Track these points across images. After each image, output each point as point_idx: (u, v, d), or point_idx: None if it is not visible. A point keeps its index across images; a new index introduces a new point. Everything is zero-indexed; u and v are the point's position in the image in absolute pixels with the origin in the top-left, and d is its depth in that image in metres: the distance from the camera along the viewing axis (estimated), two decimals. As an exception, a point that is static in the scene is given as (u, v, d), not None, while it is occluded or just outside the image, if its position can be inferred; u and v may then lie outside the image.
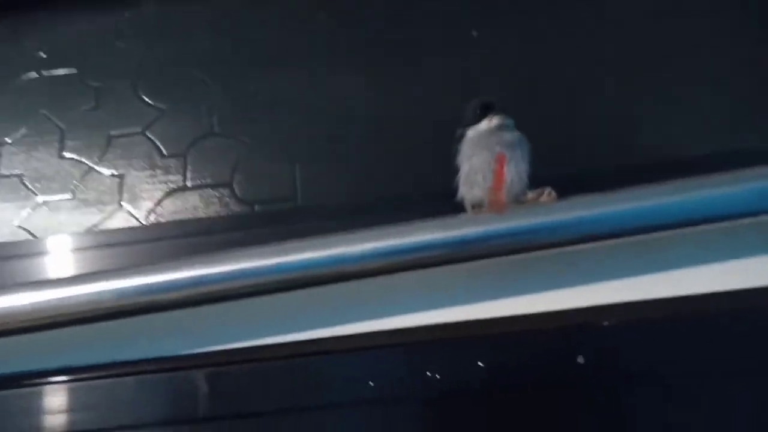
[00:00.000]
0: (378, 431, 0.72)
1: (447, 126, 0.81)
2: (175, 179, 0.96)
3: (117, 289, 0.73)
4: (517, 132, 0.76)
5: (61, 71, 1.06)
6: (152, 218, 0.93)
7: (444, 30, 1.02)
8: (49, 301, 0.71)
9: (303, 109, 0.98)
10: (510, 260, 0.71)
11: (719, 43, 0.94)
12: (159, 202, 0.94)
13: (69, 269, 0.89)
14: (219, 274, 0.71)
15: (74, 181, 0.97)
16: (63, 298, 0.71)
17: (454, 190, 0.76)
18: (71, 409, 0.74)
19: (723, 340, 0.72)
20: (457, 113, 0.81)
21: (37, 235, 0.93)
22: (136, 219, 0.94)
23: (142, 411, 0.73)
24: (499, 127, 0.76)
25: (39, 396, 0.75)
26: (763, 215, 0.70)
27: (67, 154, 1.00)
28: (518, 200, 0.72)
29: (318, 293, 0.72)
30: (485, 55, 0.99)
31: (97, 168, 0.98)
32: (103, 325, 0.74)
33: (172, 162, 0.97)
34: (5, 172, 0.99)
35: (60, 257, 0.90)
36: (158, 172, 0.97)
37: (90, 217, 0.94)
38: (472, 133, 0.77)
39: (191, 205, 0.94)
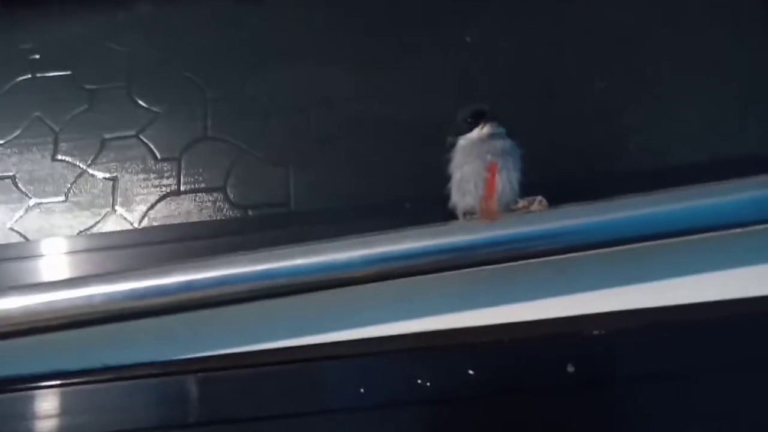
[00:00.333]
0: (367, 438, 0.72)
1: (442, 130, 0.81)
2: (169, 183, 0.96)
3: (108, 293, 0.74)
4: (508, 140, 0.76)
5: (54, 73, 1.06)
6: (145, 222, 0.93)
7: (439, 33, 1.02)
8: (38, 305, 0.71)
9: (297, 113, 0.98)
10: (500, 268, 0.72)
11: (716, 48, 0.94)
12: (152, 206, 0.94)
13: (61, 272, 0.89)
14: (210, 279, 0.71)
15: (67, 184, 0.97)
16: (53, 302, 0.71)
17: (446, 198, 0.76)
18: (61, 414, 0.74)
19: (711, 349, 0.73)
20: (453, 117, 0.81)
21: (30, 238, 0.93)
22: (129, 222, 0.94)
23: (133, 416, 0.73)
24: (491, 136, 0.76)
25: (28, 401, 0.75)
26: (753, 225, 0.71)
27: (61, 157, 0.99)
28: (509, 208, 0.72)
29: (309, 300, 0.73)
30: (481, 58, 0.99)
31: (90, 171, 0.98)
32: (93, 329, 0.73)
33: (165, 166, 0.97)
34: (-2, 173, 0.99)
35: (52, 260, 0.90)
36: (152, 175, 0.97)
37: (83, 220, 0.94)
38: (463, 141, 0.77)
39: (185, 209, 0.94)
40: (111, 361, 0.76)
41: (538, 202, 0.72)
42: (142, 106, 1.02)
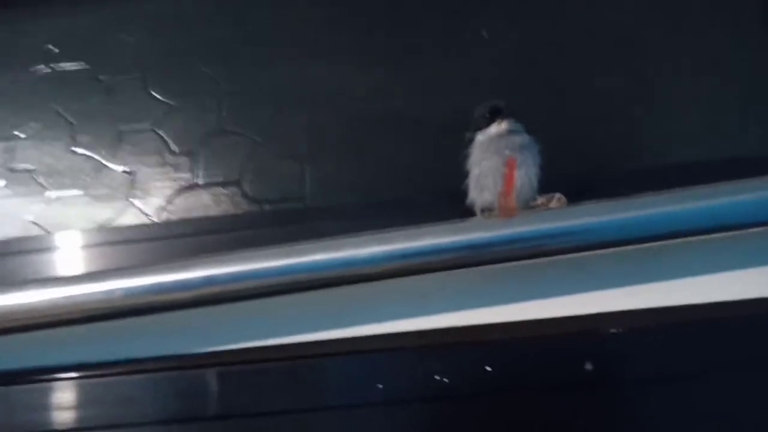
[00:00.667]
0: (385, 434, 0.73)
1: (459, 125, 0.80)
2: (185, 176, 0.96)
3: (128, 288, 0.74)
4: (527, 135, 0.76)
5: (71, 65, 1.06)
6: (163, 215, 0.94)
7: (456, 29, 1.01)
8: (60, 298, 0.72)
9: (313, 107, 0.98)
10: (518, 265, 0.72)
11: (728, 46, 0.93)
12: (169, 200, 0.95)
13: (80, 265, 0.89)
14: (228, 274, 0.72)
15: (85, 177, 0.97)
16: (74, 296, 0.72)
17: (464, 194, 0.76)
18: (81, 406, 0.75)
19: (730, 348, 0.72)
20: (470, 113, 0.81)
21: (49, 231, 0.94)
22: (147, 215, 0.94)
23: (152, 409, 0.74)
24: (509, 131, 0.76)
25: (49, 392, 0.76)
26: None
27: (78, 150, 1.00)
28: (528, 205, 0.72)
29: (328, 295, 0.73)
30: (498, 54, 0.98)
31: (107, 164, 0.98)
32: (113, 322, 0.74)
33: (181, 159, 0.97)
34: (17, 166, 0.99)
35: (72, 253, 0.91)
36: (168, 168, 0.97)
37: (101, 213, 0.95)
38: (481, 137, 0.77)
39: (201, 203, 0.94)
40: (130, 354, 0.76)
41: (557, 199, 0.71)
42: (158, 99, 1.02)
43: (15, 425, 0.76)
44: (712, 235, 0.70)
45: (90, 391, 0.76)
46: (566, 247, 0.71)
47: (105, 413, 0.75)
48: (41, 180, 0.98)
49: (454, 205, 0.76)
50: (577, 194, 0.74)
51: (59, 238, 0.92)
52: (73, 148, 1.00)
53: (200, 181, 0.96)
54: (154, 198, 0.95)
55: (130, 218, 0.94)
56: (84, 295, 0.73)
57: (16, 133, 1.01)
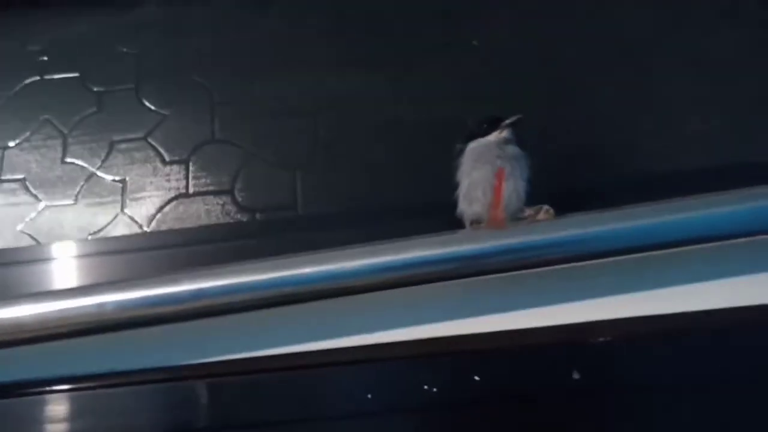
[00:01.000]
0: (375, 443, 0.73)
1: (452, 135, 0.81)
2: (177, 185, 0.97)
3: (117, 302, 0.74)
4: (518, 148, 0.76)
5: (63, 75, 1.07)
6: (154, 224, 0.94)
7: (446, 37, 1.02)
8: (49, 313, 0.72)
9: (305, 117, 0.99)
10: (507, 276, 0.72)
11: (725, 53, 0.94)
12: (161, 209, 0.95)
13: (72, 276, 0.90)
14: (218, 287, 0.72)
15: (77, 187, 0.98)
16: (64, 310, 0.72)
17: (454, 205, 0.76)
18: (70, 418, 0.75)
19: (716, 356, 0.73)
20: (463, 121, 0.82)
21: (40, 240, 0.94)
22: (139, 225, 0.94)
23: (141, 421, 0.75)
24: (503, 141, 0.76)
25: (38, 405, 0.76)
26: (757, 235, 0.71)
27: (70, 159, 1.00)
28: (516, 217, 0.72)
29: (317, 306, 0.73)
30: (488, 62, 0.99)
31: (99, 173, 0.99)
32: (102, 335, 0.74)
33: (173, 168, 0.98)
34: (8, 176, 1.00)
35: (63, 264, 0.91)
36: (160, 178, 0.97)
37: (93, 223, 0.95)
38: (473, 145, 0.78)
39: (193, 212, 0.95)
40: (119, 367, 0.77)
41: (545, 210, 0.72)
42: (150, 109, 1.02)
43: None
44: (697, 245, 0.71)
45: (80, 404, 0.76)
46: (554, 258, 0.72)
47: (95, 426, 0.75)
48: (33, 190, 0.98)
49: (446, 214, 0.77)
50: (574, 202, 0.75)
51: (50, 249, 0.92)
52: (65, 158, 1.00)
53: (192, 191, 0.96)
54: (147, 207, 0.96)
55: (122, 228, 0.94)
56: (74, 309, 0.73)
57: (8, 143, 1.02)
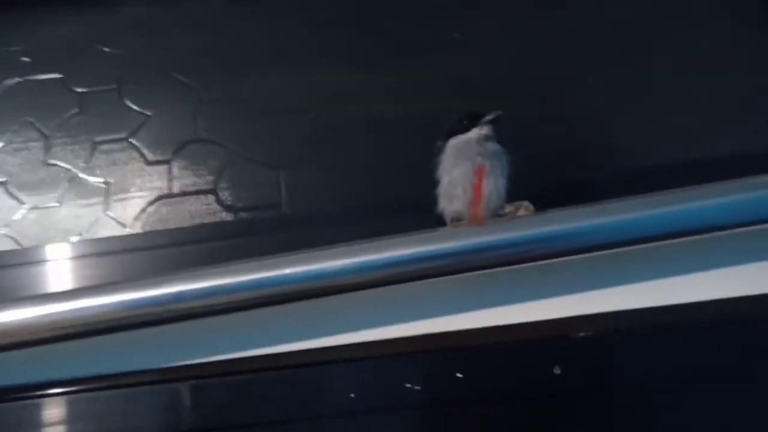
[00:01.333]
0: (359, 442, 0.74)
1: (435, 131, 0.81)
2: (161, 186, 0.96)
3: (102, 305, 0.74)
4: (498, 145, 0.76)
5: (45, 76, 1.06)
6: (138, 226, 0.94)
7: (433, 34, 1.02)
8: (32, 318, 0.72)
9: (288, 115, 0.98)
10: (487, 272, 0.72)
11: (712, 47, 0.94)
12: (144, 209, 0.95)
13: (56, 279, 0.89)
14: (200, 290, 0.72)
15: (60, 189, 0.97)
16: (46, 316, 0.72)
17: (435, 202, 0.76)
18: (55, 423, 0.75)
19: (698, 350, 0.74)
20: (444, 119, 0.81)
21: (24, 244, 0.94)
22: (122, 226, 0.94)
23: (126, 423, 0.75)
24: (483, 138, 0.76)
25: (22, 410, 0.76)
26: (738, 228, 0.71)
27: (53, 161, 1.00)
28: (496, 214, 0.72)
29: (299, 306, 0.73)
30: (472, 56, 0.99)
31: (82, 175, 0.98)
32: (86, 339, 0.74)
33: (157, 168, 0.98)
34: (-10, 178, 0.99)
35: (47, 267, 0.91)
36: (143, 178, 0.97)
37: (76, 225, 0.95)
38: (454, 142, 0.77)
39: (177, 212, 0.94)
40: (103, 370, 0.77)
41: (524, 207, 0.72)
42: (133, 109, 1.02)
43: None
44: (677, 239, 0.72)
45: (64, 408, 0.76)
46: (534, 254, 0.72)
47: (80, 429, 0.76)
48: (15, 192, 0.97)
49: (430, 211, 0.77)
50: (559, 198, 0.75)
51: (34, 252, 0.92)
52: (48, 160, 1.00)
53: (176, 191, 0.96)
54: (130, 208, 0.95)
55: (106, 229, 0.94)
56: (58, 313, 0.73)
57: (-11, 145, 1.01)
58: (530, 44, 0.97)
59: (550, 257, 0.72)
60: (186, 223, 0.93)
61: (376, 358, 0.75)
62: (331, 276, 0.71)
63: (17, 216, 0.96)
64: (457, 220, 0.73)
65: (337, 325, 0.76)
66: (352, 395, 0.73)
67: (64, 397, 0.76)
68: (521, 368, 0.74)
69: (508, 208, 0.73)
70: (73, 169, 0.99)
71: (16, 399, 0.76)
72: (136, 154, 0.99)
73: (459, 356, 0.74)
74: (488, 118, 0.77)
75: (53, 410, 0.76)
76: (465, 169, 0.74)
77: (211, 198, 0.95)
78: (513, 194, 0.74)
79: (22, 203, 0.97)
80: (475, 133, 0.77)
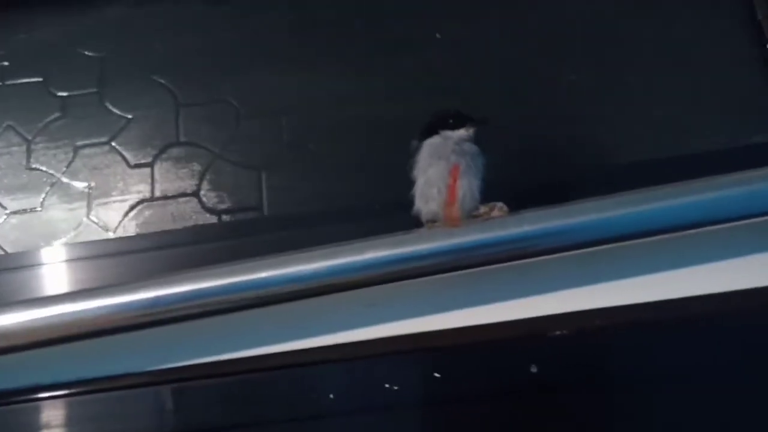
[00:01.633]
0: (338, 442, 0.74)
1: (416, 131, 0.81)
2: (143, 189, 0.97)
3: (83, 310, 0.75)
4: (474, 146, 0.77)
5: (25, 80, 1.06)
6: (121, 230, 0.94)
7: (413, 34, 1.02)
8: (11, 324, 0.73)
9: (268, 117, 0.98)
10: (463, 273, 0.73)
11: (689, 42, 0.94)
12: (127, 213, 0.95)
13: (40, 284, 0.90)
14: (179, 294, 0.73)
15: (42, 194, 0.98)
16: (26, 321, 0.73)
17: (411, 203, 0.77)
18: (37, 428, 0.76)
19: (675, 347, 0.74)
20: (422, 119, 0.82)
21: (7, 249, 0.94)
22: (105, 230, 0.94)
23: (108, 427, 0.75)
24: (460, 138, 0.76)
25: (4, 416, 0.77)
26: (716, 225, 0.72)
27: (35, 166, 1.00)
28: (471, 215, 0.73)
29: (277, 309, 0.74)
30: (452, 56, 0.99)
31: (64, 179, 0.98)
32: (69, 344, 0.75)
33: (139, 172, 0.98)
34: (-27, 185, 0.99)
35: (29, 272, 0.91)
36: (126, 182, 0.97)
37: (59, 229, 0.95)
38: (428, 143, 0.77)
39: (159, 216, 0.95)
40: (85, 374, 0.77)
41: (499, 208, 0.73)
42: (114, 112, 1.02)
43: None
44: (651, 237, 0.72)
45: (46, 413, 0.77)
46: (510, 254, 0.73)
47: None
48: (-3, 198, 0.98)
49: (408, 210, 0.77)
50: (536, 197, 0.75)
51: (17, 257, 0.92)
52: (30, 165, 1.00)
53: (158, 194, 0.96)
54: (113, 213, 0.96)
55: (89, 234, 0.94)
56: (36, 319, 0.73)
57: (-29, 150, 1.01)
58: (507, 43, 0.98)
59: (526, 257, 0.72)
60: (169, 227, 0.94)
61: (354, 360, 0.75)
62: (308, 279, 0.72)
63: (0, 221, 0.96)
64: (432, 221, 0.74)
65: (316, 328, 0.77)
66: (332, 396, 0.74)
67: (45, 402, 0.77)
68: (498, 367, 0.74)
69: (483, 209, 0.73)
70: (56, 174, 0.99)
71: (-1, 404, 0.77)
72: (118, 158, 0.99)
73: (436, 356, 0.75)
74: (476, 120, 0.76)
75: (34, 415, 0.77)
76: (440, 169, 0.74)
77: (193, 201, 0.95)
78: (488, 195, 0.75)
79: (5, 208, 0.97)
80: (455, 133, 0.76)
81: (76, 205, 0.97)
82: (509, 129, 0.88)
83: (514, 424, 0.73)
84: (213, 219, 0.94)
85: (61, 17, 1.10)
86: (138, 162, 0.99)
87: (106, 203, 0.96)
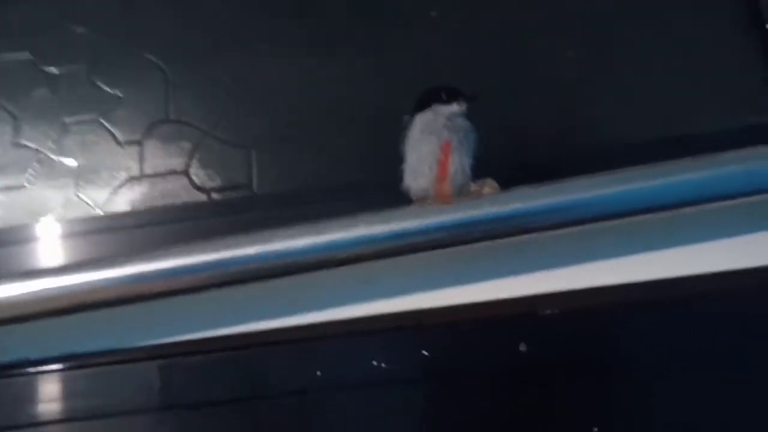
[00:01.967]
0: (326, 420, 0.74)
1: (406, 110, 0.80)
2: (132, 167, 0.96)
3: (69, 285, 0.74)
4: (468, 121, 0.76)
5: (13, 56, 1.04)
6: (109, 207, 0.93)
7: (404, 11, 1.01)
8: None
9: (259, 95, 0.97)
10: (454, 250, 0.72)
11: (682, 22, 0.93)
12: (116, 191, 0.94)
13: (26, 260, 0.89)
14: (167, 269, 0.72)
15: (30, 170, 0.96)
16: (12, 296, 0.72)
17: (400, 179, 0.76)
18: (22, 402, 0.76)
19: (668, 327, 0.74)
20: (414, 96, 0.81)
21: (-5, 225, 0.93)
22: (93, 207, 0.93)
23: (93, 403, 0.75)
24: (452, 113, 0.75)
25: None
26: (710, 203, 0.71)
27: (22, 142, 0.99)
28: (462, 192, 0.72)
29: (265, 285, 0.73)
30: (447, 37, 0.98)
31: (52, 156, 0.97)
32: (54, 318, 0.74)
33: (128, 149, 0.97)
34: (-40, 161, 0.98)
35: (16, 248, 0.90)
36: (114, 159, 0.96)
37: (46, 207, 0.94)
38: (420, 118, 0.76)
39: (148, 193, 0.94)
40: (74, 349, 0.77)
41: (489, 185, 0.72)
42: (104, 89, 1.01)
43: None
44: (643, 215, 0.72)
45: (31, 388, 0.76)
46: (501, 231, 0.72)
47: (47, 409, 0.76)
48: (-16, 174, 0.97)
49: (398, 189, 0.77)
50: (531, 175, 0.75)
51: (4, 233, 0.91)
52: (18, 141, 0.99)
53: (147, 172, 0.95)
54: (102, 190, 0.95)
55: (76, 211, 0.93)
56: (28, 293, 0.73)
57: (-41, 126, 1.00)
58: (504, 23, 0.96)
59: (517, 234, 0.72)
60: (158, 204, 0.93)
61: (342, 336, 0.75)
62: (296, 254, 0.71)
63: (-12, 198, 0.95)
64: (422, 198, 0.73)
65: (303, 304, 0.76)
66: (318, 373, 0.73)
67: (32, 377, 0.76)
68: (487, 346, 0.74)
69: (474, 186, 0.72)
70: (43, 150, 0.98)
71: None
72: (107, 135, 0.98)
73: (425, 334, 0.74)
74: (467, 95, 0.75)
75: (18, 390, 0.76)
76: (431, 144, 0.73)
77: (182, 179, 0.94)
78: (479, 172, 0.74)
79: (-8, 185, 0.96)
80: (446, 108, 0.75)
81: (64, 181, 0.96)
82: (503, 107, 0.87)
83: (502, 402, 0.73)
84: (203, 197, 0.93)
85: (51, -8, 1.08)
86: (127, 139, 0.97)
87: (94, 180, 0.95)
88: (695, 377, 0.72)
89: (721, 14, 0.92)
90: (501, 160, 0.82)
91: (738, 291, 0.72)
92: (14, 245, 0.90)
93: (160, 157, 0.96)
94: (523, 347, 0.72)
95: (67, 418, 0.75)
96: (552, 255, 0.75)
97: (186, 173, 0.94)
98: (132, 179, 0.95)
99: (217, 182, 0.93)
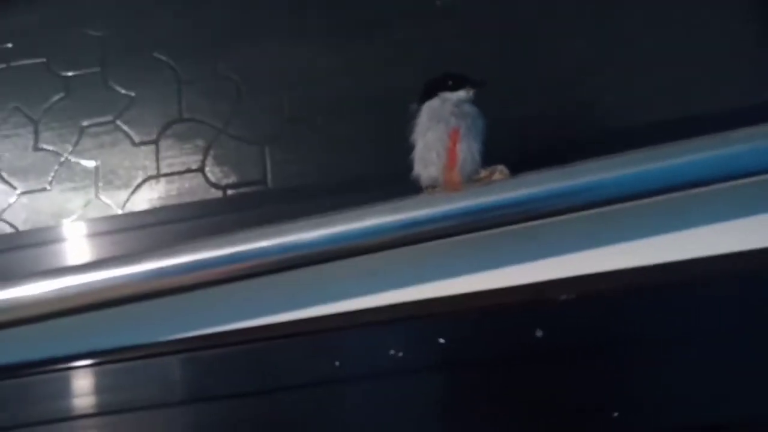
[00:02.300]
0: (344, 410, 0.75)
1: (415, 100, 0.80)
2: (148, 166, 0.97)
3: (91, 282, 0.76)
4: (474, 107, 0.75)
5: (29, 61, 1.06)
6: (128, 206, 0.95)
7: (413, 2, 1.00)
8: (20, 297, 0.74)
9: (270, 91, 0.98)
10: (466, 237, 0.73)
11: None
12: (134, 191, 0.96)
13: (50, 260, 0.91)
14: (183, 264, 0.74)
15: (51, 173, 0.99)
16: (33, 295, 0.74)
17: (410, 168, 0.76)
18: (48, 398, 0.78)
19: (681, 309, 0.73)
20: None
21: (19, 228, 0.96)
22: (113, 208, 0.95)
23: (119, 397, 0.77)
24: (460, 100, 0.75)
25: (15, 387, 0.79)
26: (715, 184, 0.70)
27: (42, 146, 1.01)
28: (472, 179, 0.72)
29: (283, 278, 0.74)
30: (453, 24, 0.97)
31: (72, 158, 0.99)
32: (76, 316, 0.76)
33: (144, 149, 0.99)
34: (-17, 166, 1.01)
35: (41, 249, 0.92)
36: (131, 160, 0.98)
37: (68, 208, 0.96)
38: (427, 105, 0.76)
39: (165, 192, 0.95)
40: (97, 346, 0.79)
41: (500, 171, 0.72)
42: (118, 91, 1.02)
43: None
44: (655, 197, 0.71)
45: (58, 384, 0.79)
46: (513, 218, 0.72)
47: (74, 404, 0.78)
48: (7, 177, 0.99)
49: (410, 181, 0.77)
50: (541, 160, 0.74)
51: (29, 235, 0.94)
52: (38, 145, 1.01)
53: (163, 171, 0.97)
54: (120, 190, 0.97)
55: (96, 211, 0.96)
56: (46, 292, 0.75)
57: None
58: (508, 8, 0.95)
59: (528, 220, 0.71)
60: (174, 202, 0.94)
61: (360, 327, 0.76)
62: (309, 246, 0.72)
63: (11, 201, 0.97)
64: (432, 186, 0.73)
65: (320, 296, 0.77)
66: (337, 363, 0.74)
67: (56, 374, 0.78)
68: (503, 332, 0.74)
69: (484, 173, 0.72)
70: (63, 153, 1.00)
71: (7, 377, 0.78)
72: (122, 136, 1.00)
73: (441, 322, 0.75)
74: (475, 82, 0.75)
75: (45, 387, 0.79)
76: (439, 132, 0.73)
77: (198, 176, 0.96)
78: (489, 158, 0.74)
79: (15, 188, 0.98)
80: (454, 95, 0.75)
81: (83, 183, 0.98)
82: (508, 92, 0.86)
83: (518, 388, 0.73)
84: (218, 193, 0.94)
85: (64, -1, 1.10)
86: (143, 140, 0.99)
87: (112, 181, 0.97)
88: (712, 358, 0.71)
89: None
90: (509, 147, 0.81)
91: (754, 271, 0.71)
92: (39, 246, 0.93)
93: (175, 155, 0.97)
94: (539, 333, 0.73)
95: (94, 413, 0.77)
96: (564, 240, 0.75)
97: (201, 171, 0.96)
98: (149, 178, 0.97)
99: (232, 179, 0.94)
